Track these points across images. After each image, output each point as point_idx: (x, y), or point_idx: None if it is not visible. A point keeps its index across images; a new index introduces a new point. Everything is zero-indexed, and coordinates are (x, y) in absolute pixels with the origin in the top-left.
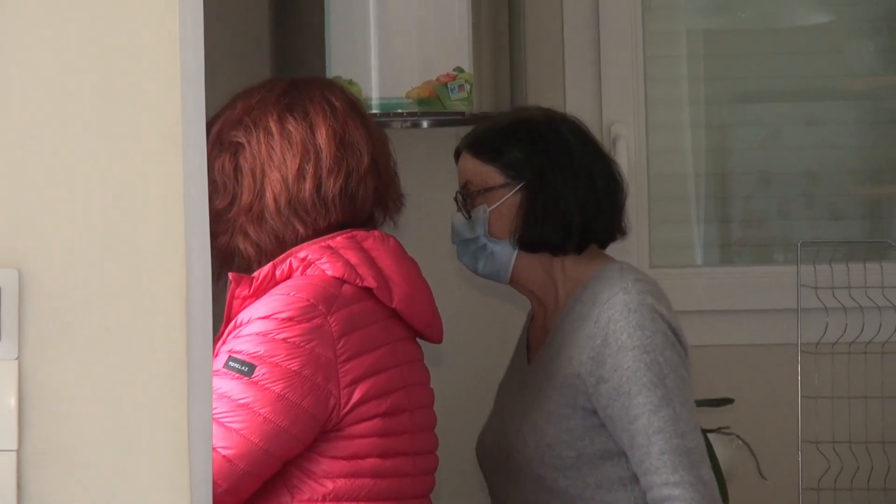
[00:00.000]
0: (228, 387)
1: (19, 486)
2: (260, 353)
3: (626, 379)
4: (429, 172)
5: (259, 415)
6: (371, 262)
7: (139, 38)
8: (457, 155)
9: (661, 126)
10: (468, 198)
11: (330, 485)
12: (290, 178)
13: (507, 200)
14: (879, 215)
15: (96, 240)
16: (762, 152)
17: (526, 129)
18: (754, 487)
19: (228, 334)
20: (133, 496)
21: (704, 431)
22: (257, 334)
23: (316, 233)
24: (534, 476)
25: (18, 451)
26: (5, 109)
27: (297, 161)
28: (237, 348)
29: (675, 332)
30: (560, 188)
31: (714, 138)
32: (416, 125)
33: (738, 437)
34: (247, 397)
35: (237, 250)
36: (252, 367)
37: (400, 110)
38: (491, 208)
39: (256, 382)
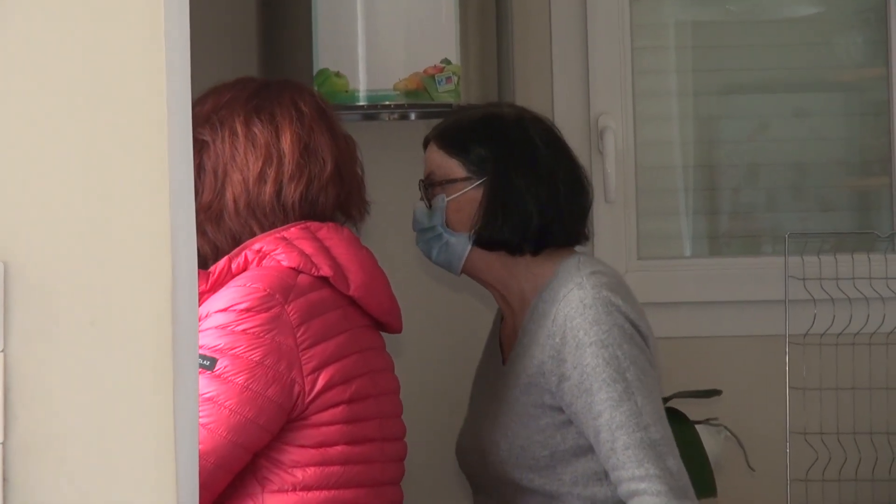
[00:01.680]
0: None
1: (5, 479)
2: (220, 345)
3: (586, 376)
4: (416, 164)
5: (225, 407)
6: (326, 251)
7: (125, 30)
8: (425, 144)
9: (649, 118)
10: (430, 187)
11: (300, 474)
12: (251, 180)
13: (466, 194)
14: (867, 206)
15: (82, 233)
16: (750, 144)
17: (494, 127)
18: (742, 478)
19: None
20: (119, 488)
21: (693, 423)
22: (217, 327)
23: None
24: (510, 478)
25: (4, 444)
26: None
27: (260, 164)
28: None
29: (634, 324)
30: (521, 189)
31: (702, 130)
32: (404, 117)
33: (726, 428)
34: (211, 391)
35: None
36: (213, 361)
37: (387, 102)
38: (449, 199)
39: (219, 375)
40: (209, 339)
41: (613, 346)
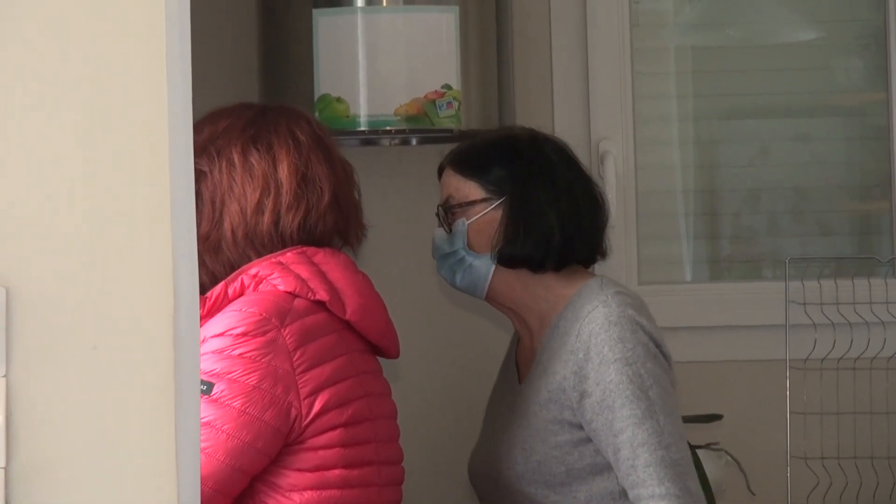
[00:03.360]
0: None
1: (7, 503)
2: (217, 370)
3: (608, 392)
4: (417, 189)
5: (222, 432)
6: (322, 275)
7: (127, 56)
8: (440, 171)
9: (650, 142)
10: (449, 212)
11: (297, 498)
12: (249, 210)
13: (486, 215)
14: (868, 231)
15: (84, 257)
16: (751, 168)
17: (509, 147)
18: (743, 503)
19: None
20: None
21: (693, 447)
22: (214, 352)
23: None
24: (524, 494)
25: (6, 468)
26: None
27: (258, 194)
28: None
29: (657, 344)
30: (541, 206)
31: (702, 154)
32: (405, 142)
33: (727, 452)
34: (208, 415)
35: None
36: (210, 385)
37: (388, 127)
38: (469, 221)
39: (216, 400)
40: (206, 364)
41: (637, 364)
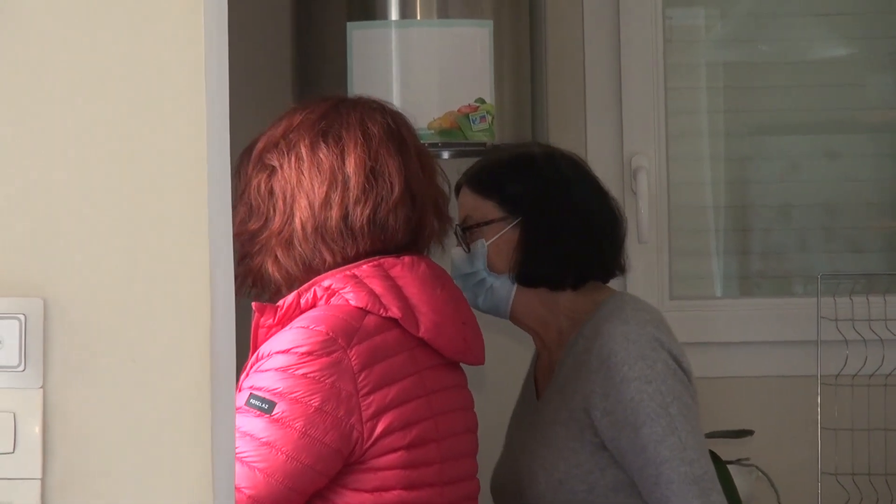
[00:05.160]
0: (250, 425)
1: None
2: (280, 389)
3: (630, 410)
4: (451, 203)
5: (282, 453)
6: (397, 290)
7: (165, 67)
8: (457, 189)
9: (682, 158)
10: (467, 231)
11: None
12: (317, 205)
13: (504, 235)
14: None
15: (121, 270)
16: (782, 184)
17: (525, 165)
18: None
19: (251, 366)
20: None
21: (725, 463)
22: (277, 370)
23: (345, 260)
24: None
25: (42, 480)
26: (31, 141)
27: (325, 189)
28: (258, 384)
29: (677, 360)
30: (557, 224)
31: (734, 170)
32: (438, 156)
33: (757, 468)
34: (269, 436)
35: (266, 273)
36: (272, 405)
37: (422, 141)
38: (489, 242)
39: (278, 420)
40: (268, 381)
41: (658, 382)
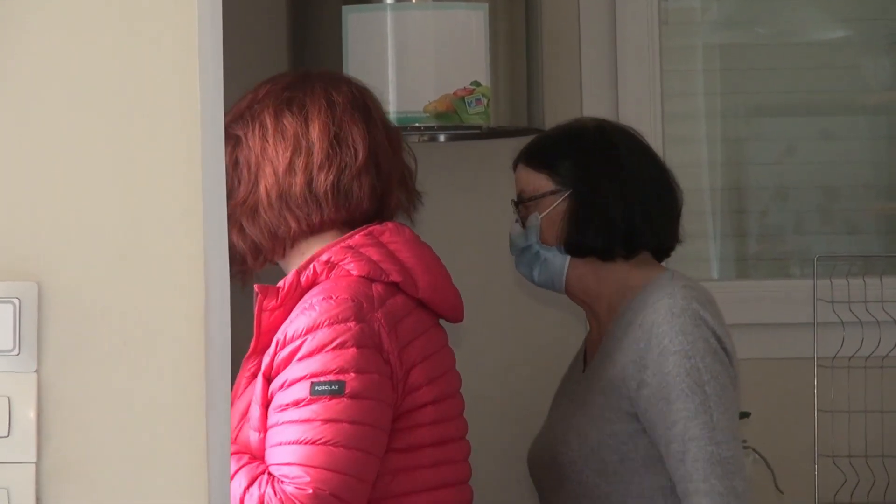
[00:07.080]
0: (329, 411)
1: (38, 499)
2: (339, 367)
3: (665, 384)
4: (446, 186)
5: (367, 426)
6: (392, 256)
7: (158, 56)
8: (515, 166)
9: (678, 140)
10: (521, 206)
11: (389, 478)
12: (281, 171)
13: (556, 207)
14: (895, 230)
15: (115, 253)
16: (778, 167)
17: (576, 138)
18: (771, 501)
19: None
20: None
21: None
22: (325, 350)
23: (310, 227)
24: (576, 481)
25: (37, 464)
26: (24, 125)
27: (289, 155)
28: (314, 370)
29: (720, 339)
30: (606, 195)
31: (730, 152)
32: (434, 139)
33: (754, 450)
34: (351, 415)
35: (231, 244)
36: (342, 384)
37: (417, 124)
38: (542, 215)
39: (353, 397)
40: (323, 364)
41: (696, 358)
